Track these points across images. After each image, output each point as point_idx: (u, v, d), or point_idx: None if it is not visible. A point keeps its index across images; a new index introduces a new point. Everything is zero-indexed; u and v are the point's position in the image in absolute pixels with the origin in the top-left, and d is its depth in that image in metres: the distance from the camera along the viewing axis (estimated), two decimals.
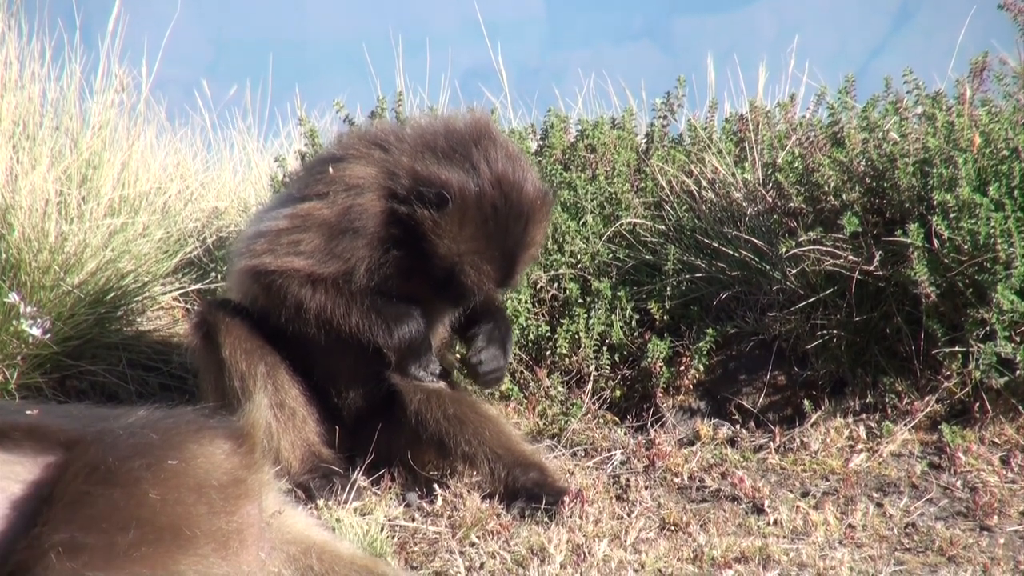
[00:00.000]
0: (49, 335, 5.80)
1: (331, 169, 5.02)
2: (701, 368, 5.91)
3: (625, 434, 5.73)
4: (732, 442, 5.66)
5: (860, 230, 5.61)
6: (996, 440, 5.51)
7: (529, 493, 5.00)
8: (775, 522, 4.94)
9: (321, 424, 5.18)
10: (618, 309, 6.00)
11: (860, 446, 5.49)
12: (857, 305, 5.69)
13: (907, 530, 4.93)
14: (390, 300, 5.04)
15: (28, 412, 3.85)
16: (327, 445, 5.18)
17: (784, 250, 5.72)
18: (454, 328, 5.38)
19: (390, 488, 5.14)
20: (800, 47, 7.20)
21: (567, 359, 6.02)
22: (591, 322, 5.97)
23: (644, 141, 6.68)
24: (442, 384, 5.16)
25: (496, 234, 4.92)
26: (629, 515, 4.94)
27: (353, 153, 5.06)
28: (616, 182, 6.35)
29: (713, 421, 5.82)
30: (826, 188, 5.75)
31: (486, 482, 5.08)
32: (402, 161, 4.96)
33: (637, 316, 6.02)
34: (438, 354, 5.21)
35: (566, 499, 4.89)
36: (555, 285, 6.12)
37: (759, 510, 5.06)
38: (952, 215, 5.40)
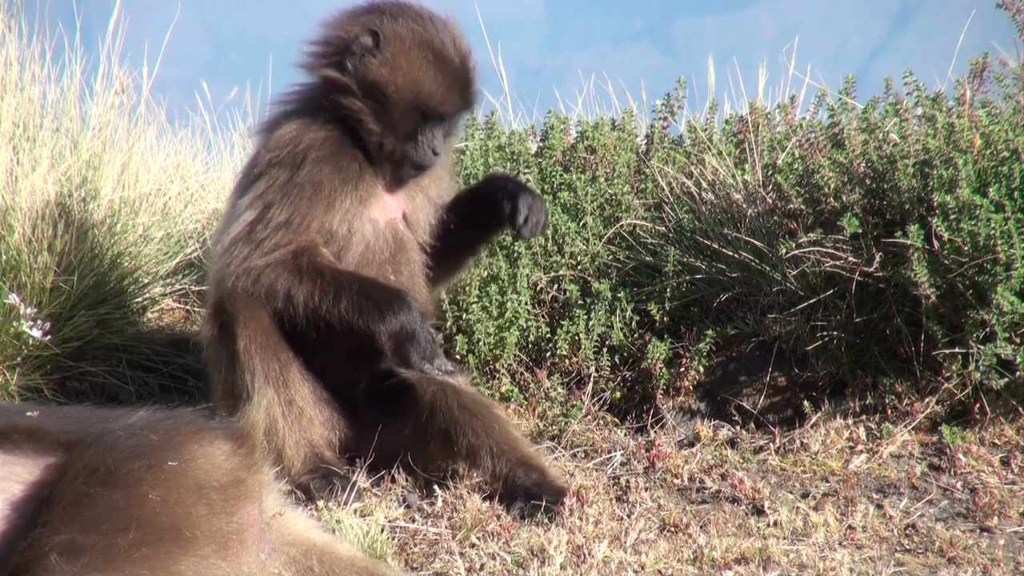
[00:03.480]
0: (49, 336, 5.80)
1: (270, 136, 5.10)
2: (701, 369, 5.91)
3: (625, 435, 5.73)
4: (732, 443, 5.66)
5: (860, 231, 5.61)
6: (996, 441, 5.51)
7: (528, 493, 5.00)
8: (775, 523, 4.94)
9: (326, 425, 5.18)
10: (618, 310, 6.00)
11: (860, 447, 5.49)
12: (857, 306, 5.69)
13: (907, 531, 4.94)
14: (380, 284, 5.03)
15: (28, 414, 3.86)
16: (330, 447, 5.18)
17: (784, 251, 5.72)
18: (471, 225, 5.36)
19: (390, 489, 5.14)
20: (800, 48, 7.20)
21: (567, 360, 6.03)
22: (591, 323, 5.97)
23: (644, 142, 6.68)
24: (453, 380, 5.15)
25: (440, 50, 5.03)
26: (629, 516, 4.94)
27: (281, 111, 5.17)
28: (616, 183, 6.36)
29: (713, 422, 5.82)
30: (826, 189, 5.75)
31: (486, 479, 5.08)
32: (325, 67, 5.07)
33: (637, 317, 6.02)
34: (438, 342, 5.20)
35: (566, 500, 4.89)
36: (555, 286, 6.13)
37: (759, 511, 5.07)
38: (952, 216, 5.40)
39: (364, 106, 5.03)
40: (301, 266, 4.97)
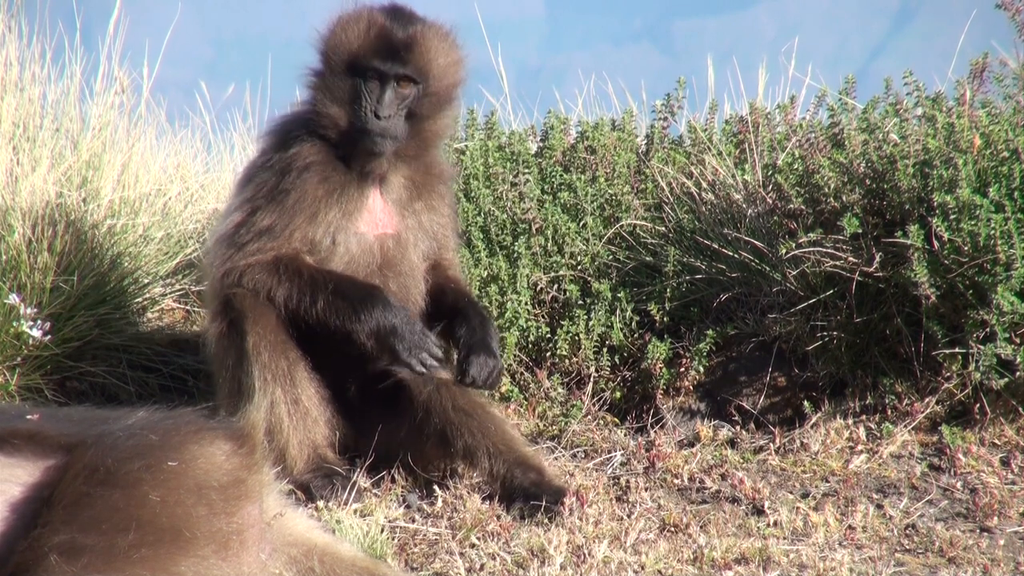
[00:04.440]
0: (49, 336, 5.80)
1: (266, 141, 5.22)
2: (701, 369, 5.91)
3: (625, 435, 5.73)
4: (732, 443, 5.66)
5: (860, 231, 5.61)
6: (996, 441, 5.51)
7: (527, 493, 5.00)
8: (775, 523, 4.94)
9: (329, 425, 5.18)
10: (618, 310, 6.00)
11: (860, 447, 5.49)
12: (857, 306, 5.69)
13: (907, 531, 4.94)
14: (355, 283, 5.05)
15: (29, 417, 3.86)
16: (332, 447, 5.18)
17: (784, 251, 5.72)
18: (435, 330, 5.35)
19: (390, 489, 5.14)
20: (800, 48, 7.20)
21: (567, 360, 6.03)
22: (591, 323, 5.97)
23: (644, 143, 6.68)
24: (447, 376, 5.16)
25: (375, 11, 5.13)
26: (629, 516, 4.94)
27: (281, 118, 5.28)
28: (616, 184, 6.36)
29: (713, 422, 5.82)
30: (826, 189, 5.75)
31: (485, 479, 5.09)
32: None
33: (637, 317, 6.02)
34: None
35: (565, 499, 4.89)
36: (555, 287, 6.13)
37: (759, 511, 5.07)
38: (952, 216, 5.40)
39: (317, 82, 5.14)
40: (280, 268, 5.01)
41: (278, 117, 5.27)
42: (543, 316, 6.12)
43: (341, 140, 5.11)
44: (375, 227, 5.16)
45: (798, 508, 5.02)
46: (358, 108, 5.08)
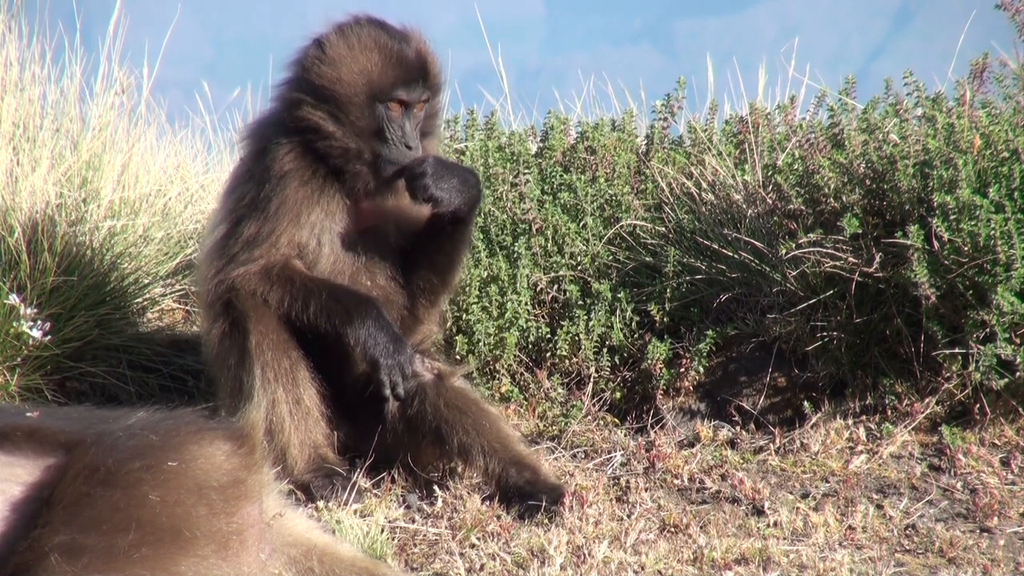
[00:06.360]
0: (49, 337, 5.80)
1: (243, 150, 5.22)
2: (701, 370, 5.91)
3: (625, 436, 5.74)
4: (732, 444, 5.66)
5: (860, 232, 5.61)
6: (996, 442, 5.52)
7: (521, 492, 5.01)
8: (775, 523, 4.95)
9: (331, 425, 5.18)
10: (618, 311, 6.00)
11: (860, 448, 5.49)
12: (857, 307, 5.69)
13: (907, 531, 4.94)
14: (350, 290, 5.05)
15: (29, 415, 3.86)
16: (332, 447, 5.19)
17: (784, 252, 5.72)
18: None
19: (390, 490, 5.14)
20: (800, 49, 7.20)
21: (567, 361, 6.03)
22: (591, 324, 5.97)
23: (644, 143, 6.68)
24: (430, 377, 5.19)
25: (387, 39, 5.04)
26: (629, 516, 4.95)
27: (256, 126, 5.23)
28: (616, 184, 6.36)
29: (713, 423, 5.82)
30: (826, 190, 5.75)
31: (480, 477, 5.10)
32: (284, 91, 5.12)
33: (637, 318, 6.02)
34: (417, 349, 5.21)
35: (565, 499, 4.90)
36: (555, 287, 6.13)
37: (759, 512, 5.07)
38: (952, 217, 5.41)
39: (320, 112, 5.03)
40: (272, 275, 5.01)
41: (253, 123, 5.25)
42: (543, 316, 6.12)
43: (353, 160, 5.05)
44: (356, 224, 5.16)
45: (798, 508, 5.02)
46: (385, 142, 5.04)
